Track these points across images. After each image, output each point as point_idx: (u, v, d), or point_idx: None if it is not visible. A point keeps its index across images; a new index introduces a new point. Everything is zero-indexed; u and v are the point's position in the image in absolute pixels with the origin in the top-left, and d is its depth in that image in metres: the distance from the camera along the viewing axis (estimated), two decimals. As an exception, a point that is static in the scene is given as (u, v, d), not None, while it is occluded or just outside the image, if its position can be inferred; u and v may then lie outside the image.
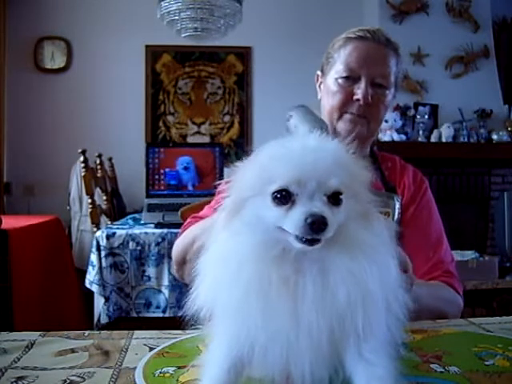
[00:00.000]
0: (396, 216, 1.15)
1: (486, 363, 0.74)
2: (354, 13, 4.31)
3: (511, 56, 4.53)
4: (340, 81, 1.21)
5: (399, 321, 0.62)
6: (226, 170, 3.05)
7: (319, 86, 1.31)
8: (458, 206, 3.92)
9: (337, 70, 1.22)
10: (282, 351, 0.55)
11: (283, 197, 0.55)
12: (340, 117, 1.22)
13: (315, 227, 0.53)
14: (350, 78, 1.20)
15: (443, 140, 3.92)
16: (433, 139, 3.92)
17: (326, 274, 0.55)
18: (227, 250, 0.58)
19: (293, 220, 0.54)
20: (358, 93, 1.18)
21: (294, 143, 0.59)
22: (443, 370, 0.71)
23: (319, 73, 1.31)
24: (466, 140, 3.95)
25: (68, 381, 0.68)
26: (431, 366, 0.73)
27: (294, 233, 0.54)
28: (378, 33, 1.22)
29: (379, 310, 0.56)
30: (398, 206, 1.17)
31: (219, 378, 0.59)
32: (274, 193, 0.55)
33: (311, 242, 0.54)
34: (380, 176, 1.24)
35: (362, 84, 1.18)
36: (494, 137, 3.99)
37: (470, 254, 3.57)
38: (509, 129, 4.07)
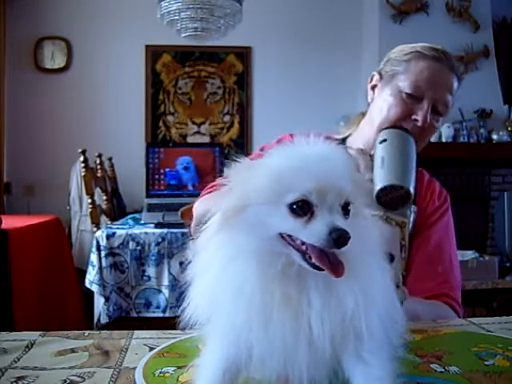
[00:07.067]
0: (410, 226, 1.15)
1: (486, 363, 0.74)
2: (354, 13, 4.31)
3: (511, 56, 4.53)
4: (403, 95, 1.16)
5: (397, 323, 0.62)
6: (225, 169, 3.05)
7: (372, 89, 1.25)
8: (458, 205, 3.91)
9: (401, 82, 1.17)
10: (280, 358, 0.55)
11: (301, 208, 0.54)
12: None
13: (340, 242, 0.53)
14: (414, 96, 1.15)
15: (443, 140, 3.92)
16: (433, 139, 3.92)
17: (331, 284, 0.55)
18: (225, 257, 0.57)
19: (315, 232, 0.54)
20: (419, 114, 1.14)
21: (306, 151, 0.58)
22: (443, 370, 0.71)
23: (376, 75, 1.24)
24: (466, 140, 3.95)
25: (68, 381, 0.68)
26: (431, 365, 0.73)
27: (315, 244, 0.54)
28: (449, 57, 1.19)
29: (379, 313, 0.57)
30: (413, 216, 1.17)
31: (213, 380, 0.58)
32: (292, 204, 0.54)
33: (319, 268, 0.54)
34: None
35: (425, 106, 1.14)
36: (494, 137, 3.99)
37: (470, 254, 3.57)
38: (509, 129, 4.07)
